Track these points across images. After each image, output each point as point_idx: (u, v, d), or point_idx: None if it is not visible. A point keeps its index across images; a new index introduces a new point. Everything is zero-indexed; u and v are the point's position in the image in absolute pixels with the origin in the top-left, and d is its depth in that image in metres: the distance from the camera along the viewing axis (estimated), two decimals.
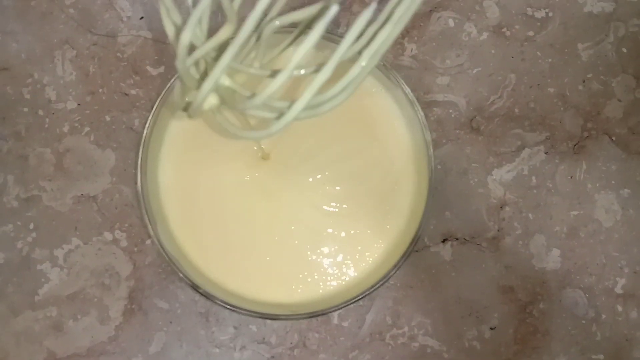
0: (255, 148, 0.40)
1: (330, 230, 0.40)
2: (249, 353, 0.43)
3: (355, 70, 0.28)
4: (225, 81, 0.31)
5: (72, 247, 0.43)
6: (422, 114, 0.40)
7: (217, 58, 0.30)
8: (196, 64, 0.31)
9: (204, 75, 0.32)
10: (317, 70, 0.28)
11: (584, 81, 0.45)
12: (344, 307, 0.38)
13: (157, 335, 0.43)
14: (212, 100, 0.32)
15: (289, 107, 0.29)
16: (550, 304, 0.43)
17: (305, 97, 0.28)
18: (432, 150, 0.40)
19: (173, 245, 0.39)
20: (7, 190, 0.43)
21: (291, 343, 0.43)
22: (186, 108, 0.33)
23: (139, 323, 0.43)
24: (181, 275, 0.38)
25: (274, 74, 0.30)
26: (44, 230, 0.43)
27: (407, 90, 0.39)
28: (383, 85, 0.40)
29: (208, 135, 0.41)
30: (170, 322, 0.43)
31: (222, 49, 0.30)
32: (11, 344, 0.42)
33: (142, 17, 0.45)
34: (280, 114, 0.29)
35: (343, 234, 0.40)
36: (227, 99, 0.32)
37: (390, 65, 0.44)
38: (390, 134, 0.41)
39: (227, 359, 0.42)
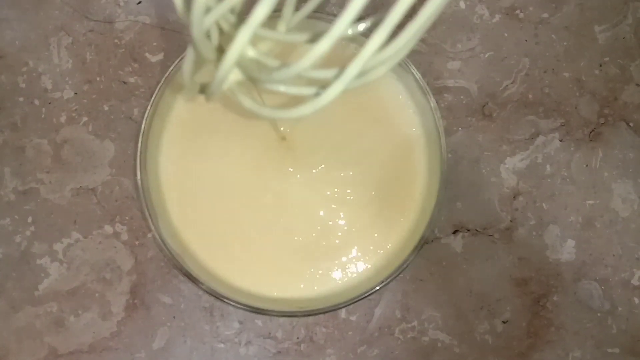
0: (282, 130, 0.37)
1: (339, 223, 0.39)
2: (254, 348, 0.42)
3: (418, 21, 0.22)
4: (250, 51, 0.25)
5: (71, 241, 0.42)
6: (434, 100, 0.38)
7: (238, 23, 0.24)
8: (208, 35, 0.25)
9: (220, 50, 0.26)
10: (374, 25, 0.22)
11: (600, 65, 0.43)
12: (353, 303, 0.37)
13: (160, 331, 0.42)
14: (235, 76, 0.26)
15: (339, 75, 0.23)
16: (565, 296, 0.42)
17: (362, 57, 0.22)
18: (443, 138, 0.38)
19: (174, 239, 0.38)
20: (4, 183, 0.42)
21: (298, 338, 0.42)
22: (203, 89, 0.28)
23: (141, 318, 0.42)
24: (184, 270, 0.37)
25: (315, 37, 0.24)
26: (42, 224, 0.42)
27: (418, 76, 0.38)
28: (393, 71, 0.39)
29: (211, 124, 0.40)
30: (174, 317, 0.42)
31: (241, 13, 0.24)
32: (12, 341, 0.41)
33: (139, 2, 0.44)
34: (323, 86, 0.23)
35: (352, 227, 0.39)
36: (252, 73, 0.26)
37: None
38: (401, 121, 0.39)
39: (233, 354, 0.41)
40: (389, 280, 0.37)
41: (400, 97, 0.38)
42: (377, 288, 0.37)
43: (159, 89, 0.39)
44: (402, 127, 0.39)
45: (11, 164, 0.42)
